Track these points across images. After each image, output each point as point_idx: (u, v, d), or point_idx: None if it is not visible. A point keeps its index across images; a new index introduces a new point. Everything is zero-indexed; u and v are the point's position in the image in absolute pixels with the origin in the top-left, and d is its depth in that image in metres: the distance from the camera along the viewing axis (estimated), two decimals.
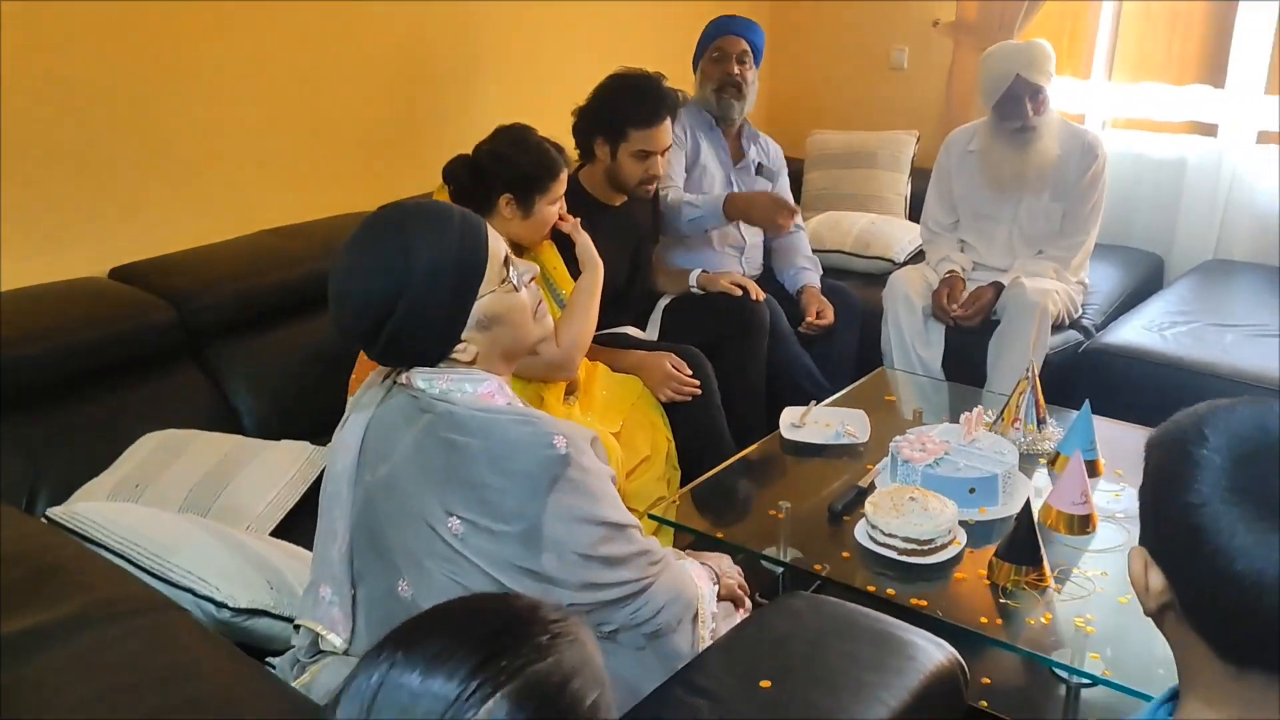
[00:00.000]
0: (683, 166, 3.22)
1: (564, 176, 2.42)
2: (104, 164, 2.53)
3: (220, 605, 1.51)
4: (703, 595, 1.64)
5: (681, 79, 2.98)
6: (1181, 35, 3.70)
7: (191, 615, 1.40)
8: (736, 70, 3.23)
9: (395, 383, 1.47)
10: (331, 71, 2.93)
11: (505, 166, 2.36)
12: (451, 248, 1.36)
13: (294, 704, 1.24)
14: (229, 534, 1.71)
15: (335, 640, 1.44)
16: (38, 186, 2.42)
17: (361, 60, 2.99)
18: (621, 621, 1.46)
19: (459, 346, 1.40)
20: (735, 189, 3.29)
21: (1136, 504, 0.92)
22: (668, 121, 2.76)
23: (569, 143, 2.79)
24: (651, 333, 3.00)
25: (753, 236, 3.35)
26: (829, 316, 3.19)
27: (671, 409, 2.63)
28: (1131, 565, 0.90)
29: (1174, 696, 0.92)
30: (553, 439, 1.35)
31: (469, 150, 2.44)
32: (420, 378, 1.42)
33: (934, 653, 1.52)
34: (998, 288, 3.15)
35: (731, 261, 3.26)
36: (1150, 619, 0.92)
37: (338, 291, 1.38)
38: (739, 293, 2.95)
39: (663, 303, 3.06)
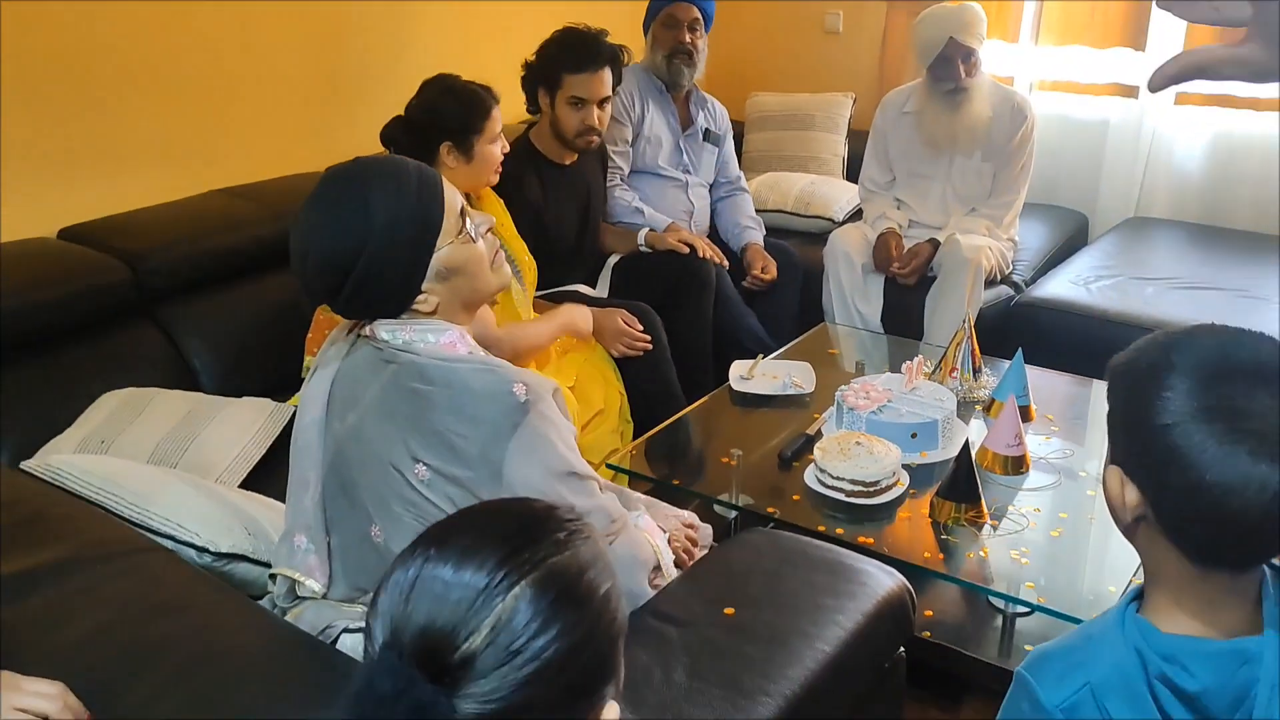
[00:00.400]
0: (628, 143, 3.28)
1: (496, 113, 2.45)
2: (49, 115, 2.50)
3: (201, 550, 1.55)
4: (659, 550, 1.70)
5: (628, 41, 3.02)
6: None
7: (177, 555, 1.44)
8: (688, 38, 3.28)
9: (359, 335, 1.51)
10: (273, 30, 2.92)
11: (438, 116, 2.40)
12: (409, 201, 1.40)
13: (285, 629, 1.30)
14: (203, 483, 1.75)
15: (314, 586, 1.49)
16: None
17: (301, 20, 2.98)
18: None
19: (420, 298, 1.44)
20: (684, 156, 3.39)
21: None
22: (605, 72, 2.80)
23: (518, 98, 2.83)
24: (601, 290, 3.06)
25: (700, 201, 3.42)
26: (772, 272, 3.29)
27: (623, 364, 2.71)
28: (1108, 483, 0.98)
29: (1139, 597, 1.01)
30: (513, 386, 1.40)
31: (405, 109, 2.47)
32: (384, 329, 1.46)
33: (884, 579, 1.63)
34: (934, 244, 3.26)
35: (679, 225, 3.34)
36: (1125, 536, 1.02)
37: (300, 249, 1.41)
38: (686, 250, 3.03)
39: (612, 260, 3.12)
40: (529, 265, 2.61)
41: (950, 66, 3.18)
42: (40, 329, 2.29)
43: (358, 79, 3.15)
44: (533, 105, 2.90)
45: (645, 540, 1.66)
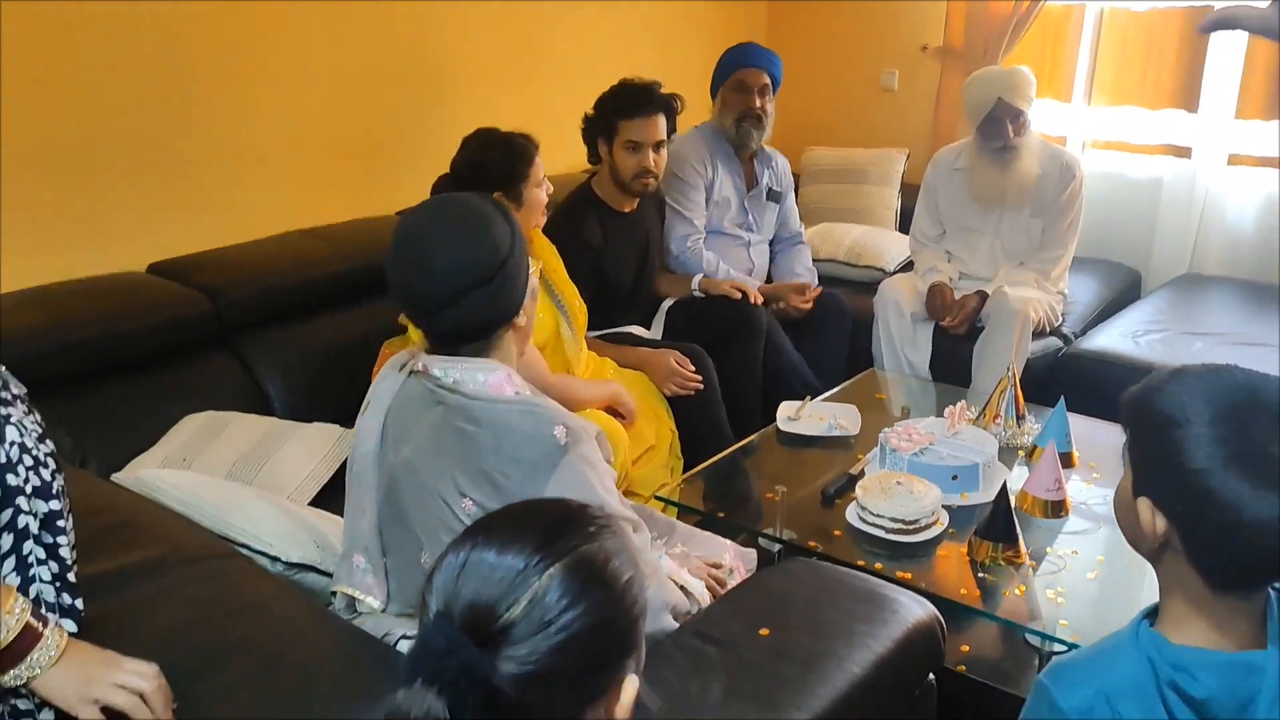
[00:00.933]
0: (703, 202, 3.40)
1: (538, 158, 2.54)
2: (142, 166, 2.69)
3: (274, 559, 1.66)
4: (689, 584, 1.78)
5: (678, 87, 3.13)
6: (1156, 62, 3.89)
7: (254, 562, 1.55)
8: (758, 103, 3.39)
9: (411, 372, 1.61)
10: (349, 84, 3.11)
11: (484, 169, 2.51)
12: (518, 233, 1.55)
13: (353, 632, 1.40)
14: (276, 499, 1.87)
15: (373, 603, 1.59)
16: (81, 186, 2.58)
17: (367, 81, 3.17)
18: None
19: (516, 319, 1.56)
20: (748, 215, 3.53)
21: (1106, 494, 1.09)
22: (659, 117, 2.94)
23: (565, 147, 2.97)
24: (656, 332, 3.17)
25: (760, 259, 3.54)
26: (809, 298, 3.38)
27: (675, 402, 2.80)
28: (1141, 514, 1.06)
29: (1152, 613, 1.09)
30: (554, 429, 1.49)
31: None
32: (437, 366, 1.55)
33: (916, 609, 1.69)
34: (982, 296, 3.33)
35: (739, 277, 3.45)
36: (1146, 558, 1.10)
37: (418, 260, 1.50)
38: (739, 296, 3.13)
39: (666, 304, 3.23)
40: (579, 309, 2.70)
41: (999, 126, 3.27)
42: (128, 355, 2.44)
43: (426, 135, 3.31)
44: (594, 155, 3.03)
45: (671, 584, 1.74)
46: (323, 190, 3.09)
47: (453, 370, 1.55)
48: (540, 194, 2.58)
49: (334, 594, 1.66)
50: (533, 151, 2.54)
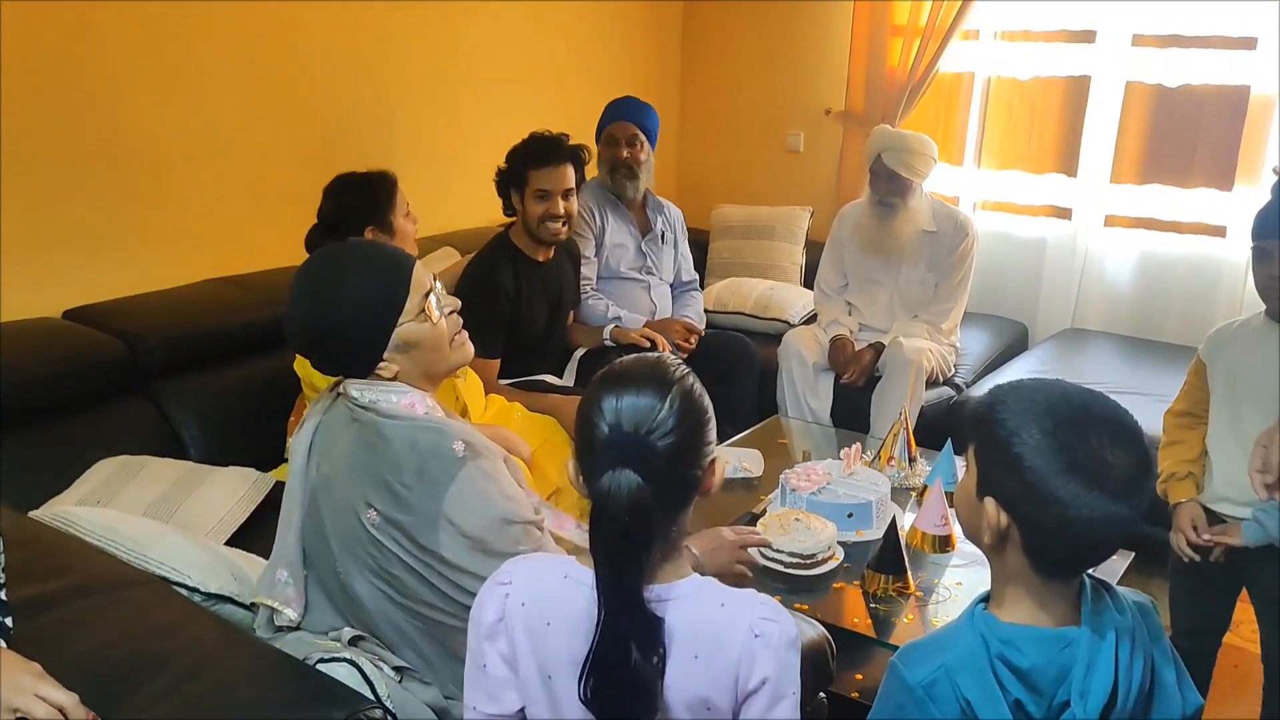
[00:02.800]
0: (592, 253, 3.55)
1: (396, 187, 2.71)
2: (51, 210, 2.72)
3: (192, 590, 1.70)
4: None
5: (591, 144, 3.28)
6: (1039, 129, 4.16)
7: (172, 589, 1.61)
8: (626, 154, 3.57)
9: (338, 393, 1.71)
10: (270, 138, 3.19)
11: (352, 208, 2.65)
12: (375, 281, 1.62)
13: (270, 650, 1.46)
14: (193, 535, 1.91)
15: (290, 614, 1.66)
16: None
17: (295, 131, 3.26)
18: None
19: (381, 365, 1.64)
20: (646, 259, 3.66)
21: None
22: (567, 166, 3.08)
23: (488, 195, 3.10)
24: (568, 379, 3.27)
25: (661, 300, 3.67)
26: (686, 338, 3.53)
27: None
28: (986, 512, 1.19)
29: (985, 599, 1.24)
30: (453, 444, 1.59)
31: None
32: (354, 388, 1.66)
33: (806, 629, 1.80)
34: (877, 348, 3.51)
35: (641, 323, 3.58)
36: (982, 549, 1.24)
37: (285, 315, 1.65)
38: (648, 344, 3.25)
39: (579, 353, 3.34)
40: None
41: (878, 181, 3.49)
42: (42, 401, 2.46)
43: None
44: (508, 207, 3.14)
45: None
46: (242, 238, 3.14)
47: (368, 391, 1.65)
48: (408, 224, 2.73)
49: (255, 610, 1.72)
50: (392, 183, 2.69)
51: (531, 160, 3.05)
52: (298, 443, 1.71)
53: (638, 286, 3.64)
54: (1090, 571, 1.22)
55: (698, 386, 1.28)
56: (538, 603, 1.29)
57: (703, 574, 1.32)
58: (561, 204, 3.06)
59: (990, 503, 1.18)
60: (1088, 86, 3.99)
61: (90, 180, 2.78)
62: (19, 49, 2.57)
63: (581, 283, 3.47)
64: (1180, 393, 2.33)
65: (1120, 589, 1.24)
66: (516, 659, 1.30)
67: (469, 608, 1.44)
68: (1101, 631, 1.16)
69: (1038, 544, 1.17)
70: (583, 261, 3.47)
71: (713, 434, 1.29)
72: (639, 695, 1.21)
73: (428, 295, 1.68)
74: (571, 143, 3.10)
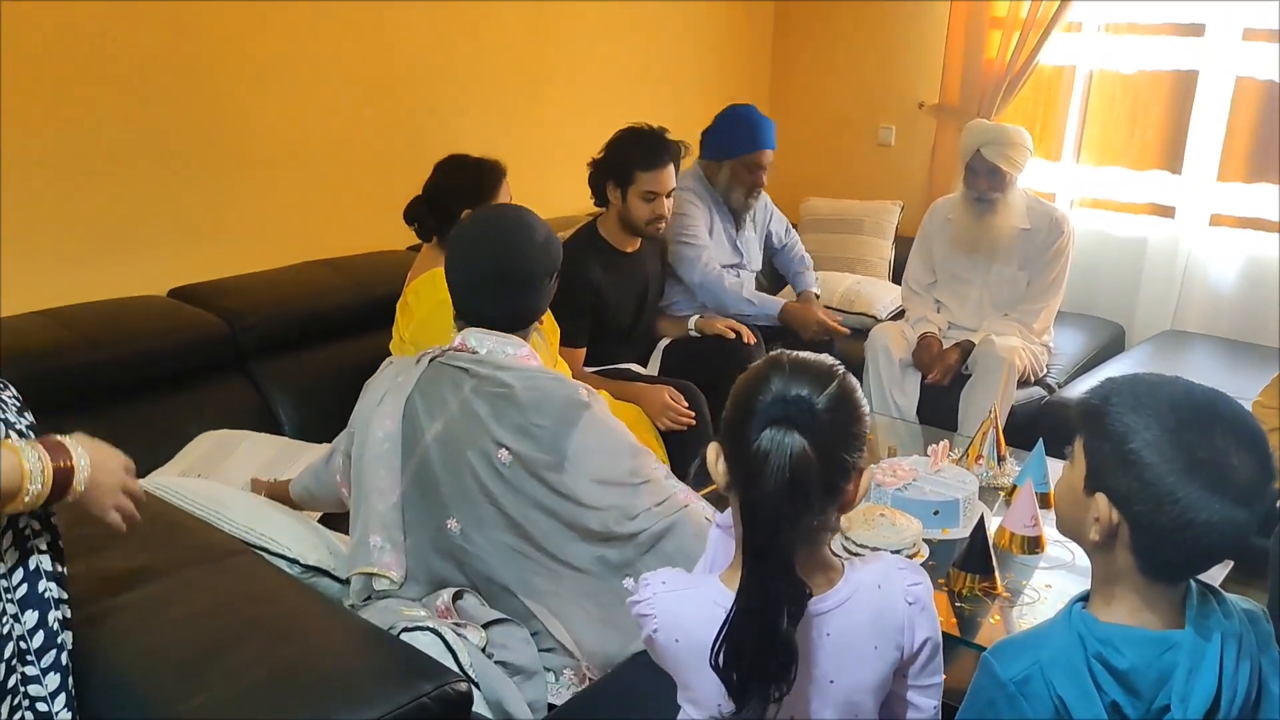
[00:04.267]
0: (706, 229, 3.51)
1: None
2: (165, 197, 2.82)
3: (291, 561, 1.76)
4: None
5: (681, 135, 3.23)
6: (1142, 124, 4.04)
7: (270, 560, 1.65)
8: (763, 179, 3.53)
9: (430, 359, 1.81)
10: (363, 129, 3.26)
11: (456, 189, 2.70)
12: (551, 236, 1.89)
13: (359, 620, 1.50)
14: (291, 510, 1.97)
15: (392, 576, 1.72)
16: (107, 209, 2.71)
17: (387, 121, 3.32)
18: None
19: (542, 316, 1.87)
20: (741, 256, 3.63)
21: None
22: (670, 167, 3.06)
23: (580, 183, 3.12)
24: (652, 369, 3.28)
25: (749, 290, 3.64)
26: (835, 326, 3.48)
27: (669, 438, 2.90)
28: (1098, 508, 1.15)
29: (1084, 598, 1.21)
30: (579, 389, 1.76)
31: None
32: (473, 336, 1.80)
33: None
34: (964, 347, 3.45)
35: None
36: (1084, 546, 1.21)
37: (527, 238, 1.82)
38: (732, 335, 3.24)
39: (663, 343, 3.34)
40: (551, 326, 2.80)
41: (976, 177, 3.42)
42: (147, 376, 2.56)
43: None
44: (600, 199, 3.13)
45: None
46: (339, 222, 3.22)
47: (488, 340, 1.79)
48: None
49: (348, 582, 1.77)
50: (500, 174, 2.75)
51: (641, 161, 3.01)
52: (380, 414, 1.77)
53: (730, 276, 3.59)
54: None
55: (859, 392, 1.28)
56: (688, 643, 1.26)
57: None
58: (665, 204, 3.07)
59: (1101, 498, 1.15)
60: (1195, 81, 3.86)
61: (195, 168, 2.87)
62: (130, 45, 2.67)
63: (705, 260, 3.43)
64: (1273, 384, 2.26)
65: (1229, 595, 1.20)
66: (678, 675, 1.32)
67: (598, 544, 1.67)
68: (1207, 635, 1.12)
69: (1148, 544, 1.13)
70: (698, 240, 3.46)
71: (865, 432, 1.27)
72: (782, 664, 1.18)
73: None
74: (670, 136, 3.08)
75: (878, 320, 3.87)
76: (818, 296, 3.76)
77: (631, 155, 3.04)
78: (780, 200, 4.06)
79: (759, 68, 4.81)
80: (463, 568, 1.74)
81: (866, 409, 1.27)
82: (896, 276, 4.13)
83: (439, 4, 3.37)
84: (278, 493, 2.09)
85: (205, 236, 2.92)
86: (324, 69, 3.11)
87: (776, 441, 1.17)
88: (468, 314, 1.85)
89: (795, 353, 1.28)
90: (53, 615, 1.25)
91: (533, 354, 1.82)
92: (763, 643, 1.17)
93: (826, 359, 1.28)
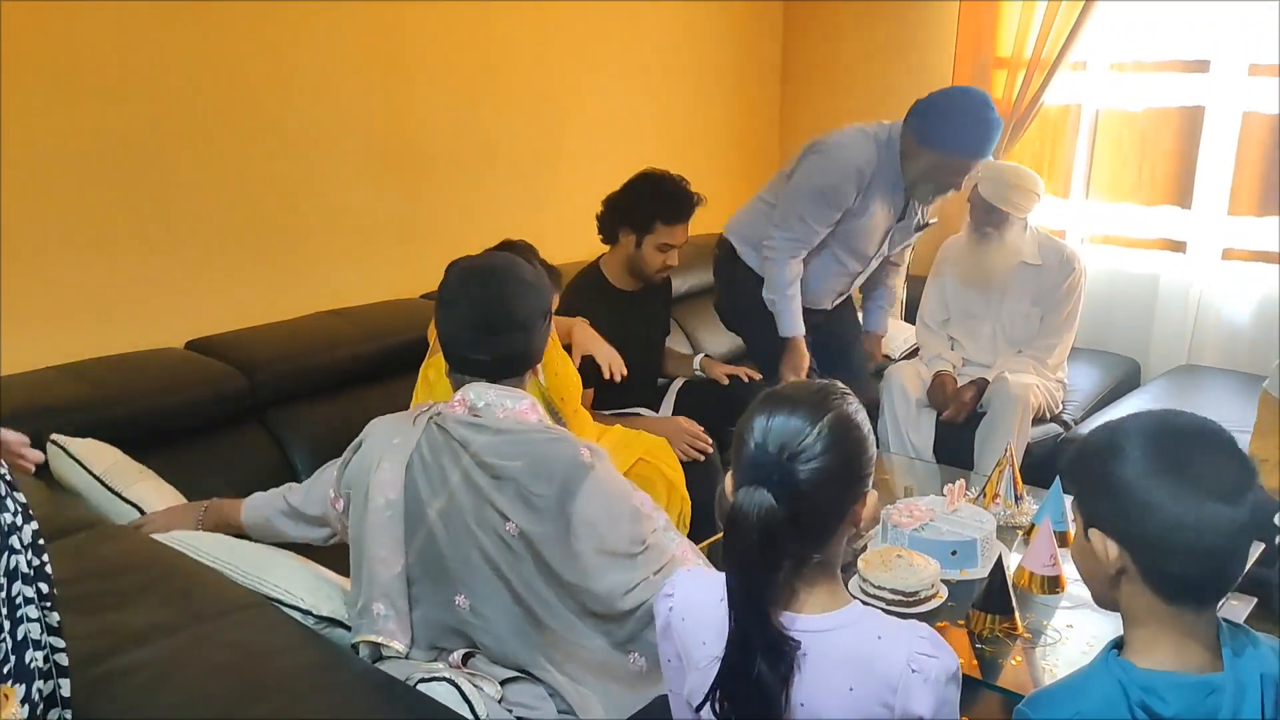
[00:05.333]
0: (828, 227, 3.15)
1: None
2: (181, 249, 2.86)
3: (305, 613, 1.76)
4: None
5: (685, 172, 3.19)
6: (1151, 160, 4.05)
7: (285, 612, 1.65)
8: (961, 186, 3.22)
9: (429, 422, 1.77)
10: (373, 181, 3.29)
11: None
12: (543, 280, 1.86)
13: (378, 673, 1.50)
14: (305, 560, 1.97)
15: (397, 646, 1.70)
16: (124, 262, 2.75)
17: (397, 177, 3.36)
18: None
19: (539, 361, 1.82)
20: (884, 245, 3.30)
21: None
22: (688, 222, 3.07)
23: (591, 227, 3.13)
24: (665, 411, 3.27)
25: (856, 285, 3.46)
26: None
27: (687, 477, 2.88)
28: (1094, 546, 1.17)
29: (1118, 645, 1.20)
30: (579, 451, 1.69)
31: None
32: (473, 390, 1.76)
33: None
34: (979, 385, 3.45)
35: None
36: (1107, 600, 1.22)
37: (514, 282, 1.78)
38: (727, 382, 3.25)
39: (677, 385, 3.34)
40: (570, 382, 2.77)
41: (975, 211, 3.45)
42: (166, 427, 2.56)
43: (438, 222, 3.48)
44: (610, 237, 3.12)
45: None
46: (352, 273, 3.25)
47: (487, 394, 1.75)
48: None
49: (355, 648, 1.76)
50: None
51: (664, 213, 3.01)
52: (383, 480, 1.74)
53: (843, 269, 3.31)
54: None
55: (858, 417, 1.29)
56: (694, 620, 1.35)
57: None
58: (675, 256, 3.09)
59: (1096, 535, 1.16)
60: (1202, 117, 3.88)
61: (208, 219, 2.91)
62: (145, 101, 2.72)
63: (794, 239, 3.15)
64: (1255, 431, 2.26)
65: (1259, 635, 1.19)
66: (682, 660, 1.38)
67: (602, 622, 1.61)
68: (1246, 677, 1.12)
69: (1150, 563, 1.14)
70: (815, 221, 3.13)
71: (868, 468, 1.29)
72: (762, 706, 1.23)
73: None
74: (691, 188, 3.07)
75: (891, 359, 3.87)
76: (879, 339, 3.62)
77: (655, 205, 3.02)
78: None
79: (766, 111, 4.85)
80: (473, 643, 1.72)
81: (865, 436, 1.28)
82: (909, 315, 4.14)
83: (448, 56, 3.42)
84: (224, 514, 2.05)
85: (221, 287, 2.95)
86: (339, 126, 3.16)
87: (747, 501, 1.21)
88: (459, 363, 1.80)
89: (784, 391, 1.29)
90: (35, 687, 1.21)
91: (534, 406, 1.77)
92: (742, 686, 1.23)
93: (827, 389, 1.29)
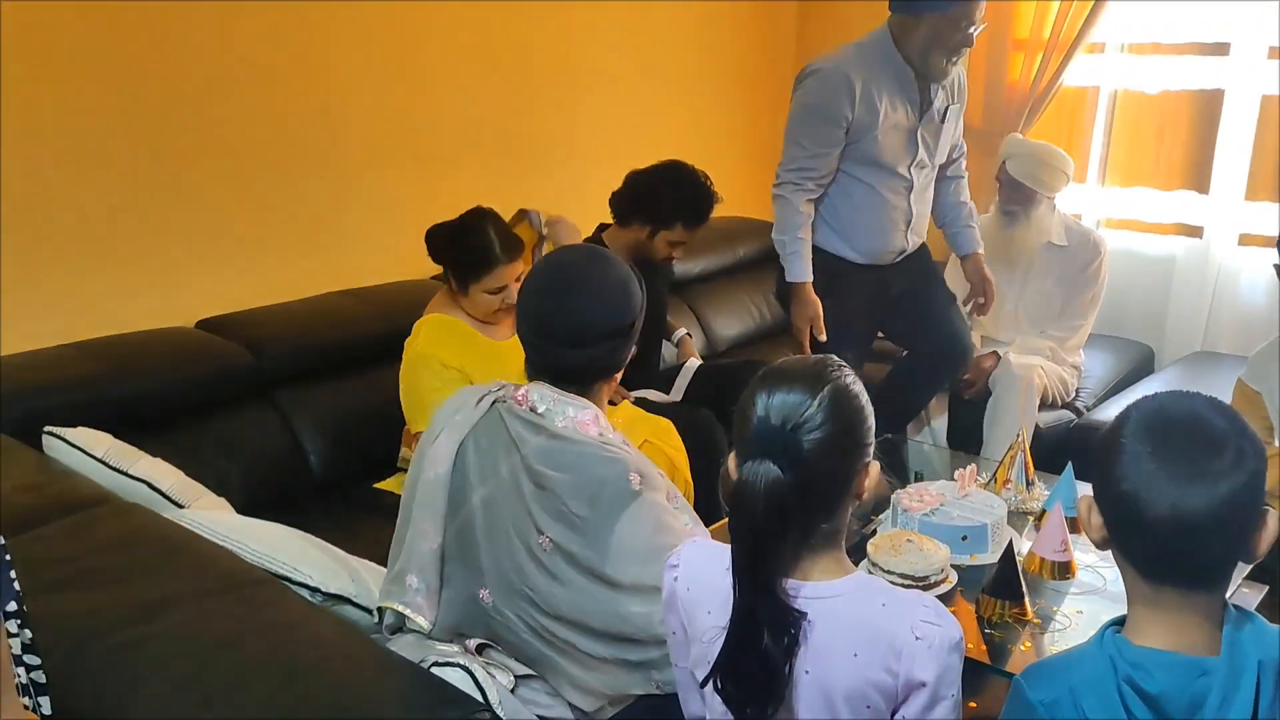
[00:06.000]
0: (835, 150, 2.97)
1: (502, 270, 2.56)
2: (196, 225, 2.87)
3: (313, 590, 1.76)
4: None
5: (708, 166, 3.21)
6: (1168, 144, 4.01)
7: (293, 588, 1.66)
8: (973, 40, 2.91)
9: (495, 404, 1.72)
10: (386, 160, 3.28)
11: (456, 246, 2.60)
12: (638, 286, 1.74)
13: (386, 652, 1.50)
14: (314, 539, 1.97)
15: (421, 622, 1.70)
16: (133, 242, 2.75)
17: (408, 156, 3.34)
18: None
19: (617, 373, 1.74)
20: (919, 149, 3.05)
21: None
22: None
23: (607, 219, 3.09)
24: (677, 394, 3.26)
25: (922, 205, 3.18)
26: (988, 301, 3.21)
27: (692, 464, 2.86)
28: (1079, 508, 1.21)
29: (1119, 622, 1.21)
30: (629, 475, 1.62)
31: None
32: (535, 391, 1.69)
33: None
34: (997, 356, 3.43)
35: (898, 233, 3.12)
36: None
37: (571, 295, 1.67)
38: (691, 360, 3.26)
39: (692, 364, 3.31)
40: None
41: (1003, 188, 3.43)
42: (174, 406, 2.58)
43: (450, 208, 3.44)
44: (622, 219, 3.08)
45: None
46: (366, 252, 3.25)
47: (550, 396, 1.68)
48: (487, 300, 2.62)
49: (380, 612, 1.76)
50: (497, 263, 2.57)
51: (687, 216, 2.99)
52: (436, 454, 1.72)
53: (897, 187, 3.05)
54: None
55: (856, 388, 1.30)
56: (699, 589, 1.36)
57: None
58: (684, 250, 3.10)
59: (1084, 500, 1.20)
60: (1220, 100, 3.84)
61: (220, 196, 2.90)
62: (158, 79, 2.72)
63: (799, 168, 2.99)
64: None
65: (1270, 625, 1.18)
66: (686, 632, 1.39)
67: (617, 645, 1.57)
68: (1242, 663, 1.11)
69: (1121, 539, 1.16)
70: (815, 146, 2.97)
71: (869, 437, 1.31)
72: (766, 679, 1.24)
73: None
74: (712, 187, 3.04)
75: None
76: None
77: (679, 205, 2.99)
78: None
79: (783, 83, 4.80)
80: (491, 637, 1.71)
81: (864, 406, 1.30)
82: None
83: (471, 51, 3.41)
84: None
85: (231, 266, 2.95)
86: (354, 109, 3.15)
87: (753, 474, 1.23)
88: (528, 361, 1.74)
89: (781, 366, 1.31)
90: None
91: (597, 418, 1.67)
92: (747, 659, 1.24)
93: (824, 362, 1.31)
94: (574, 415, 1.67)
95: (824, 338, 3.02)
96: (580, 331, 1.66)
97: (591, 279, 1.68)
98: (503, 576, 1.66)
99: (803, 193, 2.98)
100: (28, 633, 1.20)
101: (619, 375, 1.75)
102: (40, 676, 1.23)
